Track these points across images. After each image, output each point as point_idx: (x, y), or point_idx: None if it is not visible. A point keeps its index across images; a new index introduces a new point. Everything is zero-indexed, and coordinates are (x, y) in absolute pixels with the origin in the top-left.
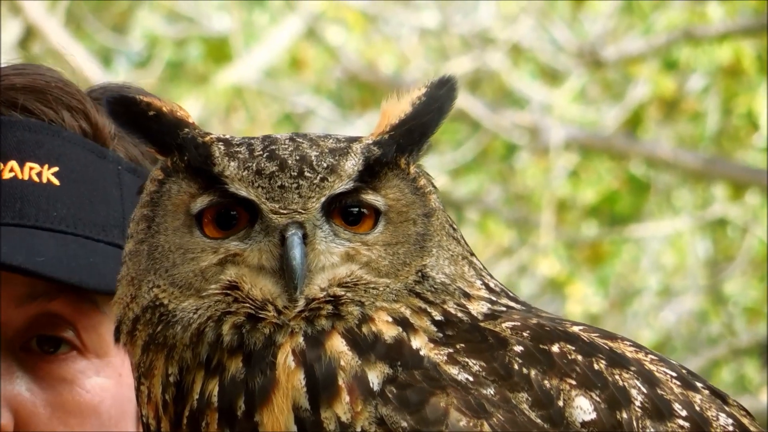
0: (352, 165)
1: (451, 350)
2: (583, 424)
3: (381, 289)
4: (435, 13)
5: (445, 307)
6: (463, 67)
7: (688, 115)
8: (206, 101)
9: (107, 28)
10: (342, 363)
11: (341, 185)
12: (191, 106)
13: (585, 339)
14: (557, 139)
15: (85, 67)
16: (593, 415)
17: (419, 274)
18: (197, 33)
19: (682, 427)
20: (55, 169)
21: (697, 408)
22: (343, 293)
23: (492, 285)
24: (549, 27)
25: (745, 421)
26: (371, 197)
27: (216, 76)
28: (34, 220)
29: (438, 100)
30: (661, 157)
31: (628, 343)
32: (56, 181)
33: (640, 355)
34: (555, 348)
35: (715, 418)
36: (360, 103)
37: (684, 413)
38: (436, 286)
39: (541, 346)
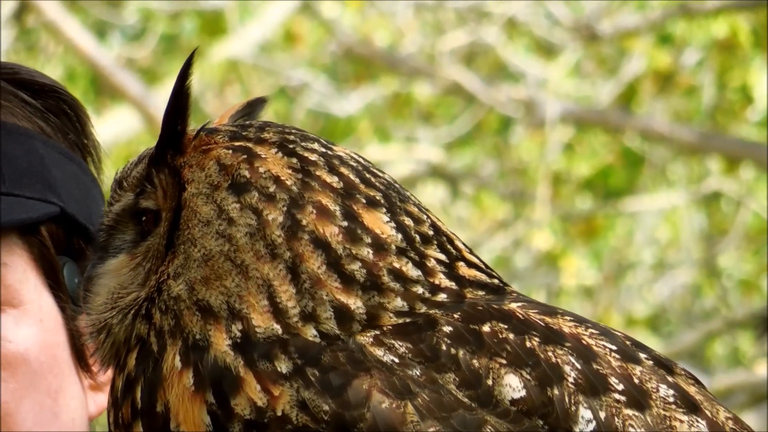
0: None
1: (377, 332)
2: (513, 402)
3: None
4: None
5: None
6: (458, 41)
7: (682, 90)
8: (201, 75)
9: (102, 2)
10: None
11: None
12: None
13: (520, 317)
14: (552, 113)
15: (79, 40)
16: (522, 393)
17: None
18: (192, 7)
19: (618, 401)
20: None
21: (636, 381)
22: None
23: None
24: (544, 1)
25: (692, 389)
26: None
27: (211, 50)
28: None
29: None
30: (656, 131)
31: (569, 318)
32: None
33: (580, 330)
34: (486, 328)
35: (655, 390)
36: (354, 77)
37: (620, 387)
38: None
39: (471, 326)
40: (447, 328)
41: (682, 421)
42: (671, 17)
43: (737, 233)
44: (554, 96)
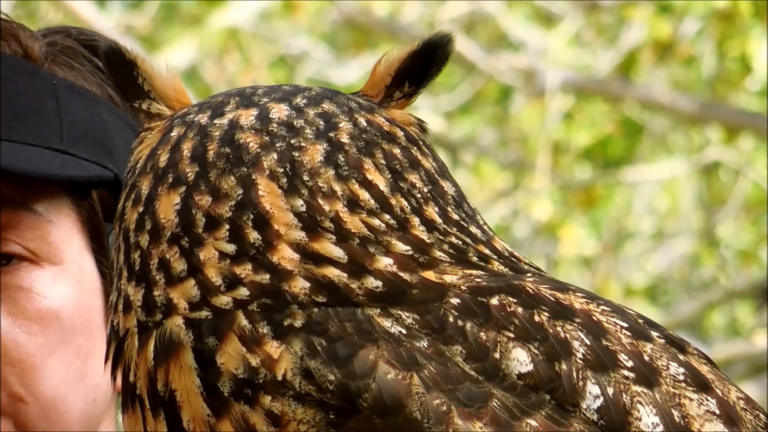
0: None
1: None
2: (520, 376)
3: None
4: None
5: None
6: (458, 10)
7: (682, 59)
8: (201, 43)
9: None
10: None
11: None
12: (185, 48)
13: (530, 291)
14: (552, 82)
15: (80, 8)
16: (530, 367)
17: None
18: None
19: (626, 377)
20: None
21: (646, 358)
22: None
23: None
24: None
25: (704, 368)
26: None
27: (210, 17)
28: None
29: None
30: (656, 100)
31: (581, 294)
32: None
33: (591, 306)
34: (494, 300)
35: (665, 367)
36: (354, 45)
37: (630, 364)
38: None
39: (479, 298)
40: (455, 300)
41: (691, 400)
42: None
43: (736, 203)
44: (554, 65)
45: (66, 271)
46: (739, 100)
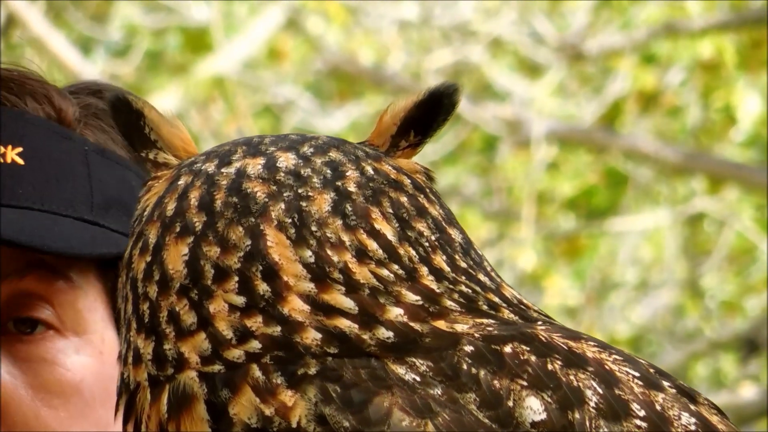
0: None
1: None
2: (533, 424)
3: None
4: (415, 6)
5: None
6: (443, 59)
7: (666, 109)
8: (185, 91)
9: (87, 18)
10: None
11: None
12: (170, 97)
13: (543, 339)
14: (537, 132)
15: (65, 55)
16: (543, 416)
17: None
18: (176, 23)
19: (639, 427)
20: (19, 149)
21: (658, 407)
22: None
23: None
24: (530, 20)
25: (714, 419)
26: None
27: (195, 66)
28: None
29: None
30: (640, 150)
31: (593, 343)
32: (20, 161)
33: (603, 356)
34: (507, 348)
35: (677, 417)
36: (339, 94)
37: (642, 413)
38: None
39: (492, 346)
40: (468, 348)
41: None
42: (656, 36)
43: (720, 254)
44: (539, 115)
45: (89, 342)
46: (723, 151)
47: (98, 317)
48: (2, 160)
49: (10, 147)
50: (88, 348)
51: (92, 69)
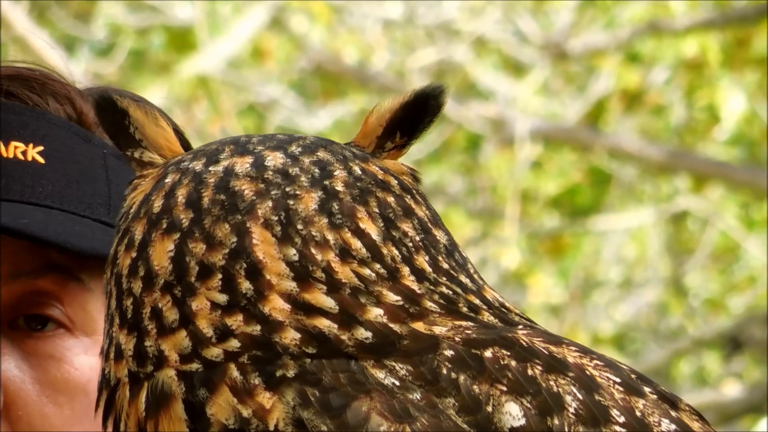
0: None
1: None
2: (512, 430)
3: None
4: (399, 5)
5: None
6: (427, 58)
7: (650, 108)
8: (169, 91)
9: (70, 17)
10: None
11: None
12: (154, 96)
13: (523, 344)
14: (521, 130)
15: (49, 54)
16: (522, 421)
17: None
18: (160, 22)
19: None
20: (40, 148)
21: (639, 413)
22: None
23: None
24: (514, 19)
25: (695, 425)
26: None
27: (179, 65)
28: (20, 196)
29: None
30: (624, 149)
31: (574, 348)
32: (41, 160)
33: (584, 361)
34: (488, 353)
35: (657, 424)
36: (323, 93)
37: (622, 419)
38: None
39: (473, 350)
40: (449, 352)
41: None
42: (640, 35)
43: (704, 252)
44: (523, 114)
45: (97, 343)
46: (707, 149)
47: None
48: (23, 158)
49: (31, 145)
50: (96, 349)
51: (76, 68)
